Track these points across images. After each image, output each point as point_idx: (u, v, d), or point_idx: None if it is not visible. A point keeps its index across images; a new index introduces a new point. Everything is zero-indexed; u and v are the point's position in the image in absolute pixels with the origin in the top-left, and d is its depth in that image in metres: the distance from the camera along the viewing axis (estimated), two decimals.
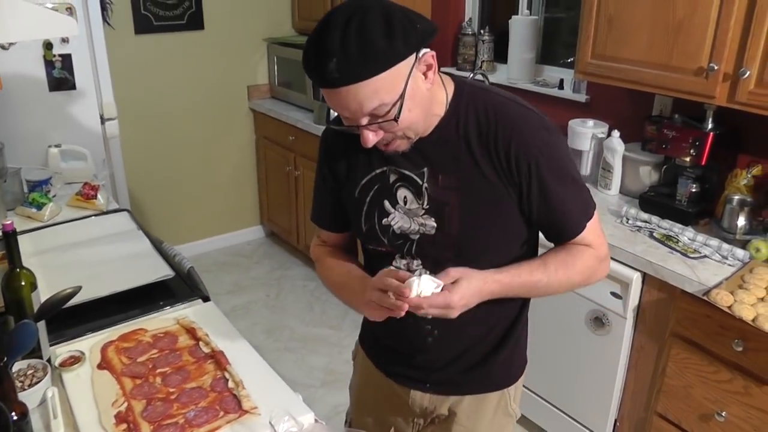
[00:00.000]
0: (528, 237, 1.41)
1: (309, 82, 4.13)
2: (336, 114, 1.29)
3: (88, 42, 3.17)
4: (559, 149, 1.32)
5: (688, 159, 2.44)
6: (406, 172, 1.35)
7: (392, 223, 1.38)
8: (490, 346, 1.50)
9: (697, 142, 2.40)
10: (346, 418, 1.81)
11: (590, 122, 2.94)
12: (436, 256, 1.36)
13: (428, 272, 1.29)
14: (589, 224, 1.37)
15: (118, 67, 3.67)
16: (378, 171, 1.38)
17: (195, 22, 4.24)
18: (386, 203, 1.38)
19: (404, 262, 1.41)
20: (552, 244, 1.42)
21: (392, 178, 1.37)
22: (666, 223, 2.42)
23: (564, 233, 1.37)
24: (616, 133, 2.74)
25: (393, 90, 1.16)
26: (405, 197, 1.36)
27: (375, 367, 1.64)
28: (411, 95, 1.18)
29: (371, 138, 1.22)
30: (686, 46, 2.23)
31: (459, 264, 1.29)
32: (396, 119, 1.19)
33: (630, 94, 2.80)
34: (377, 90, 1.14)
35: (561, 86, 3.25)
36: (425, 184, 1.33)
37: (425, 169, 1.33)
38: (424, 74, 1.21)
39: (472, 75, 3.45)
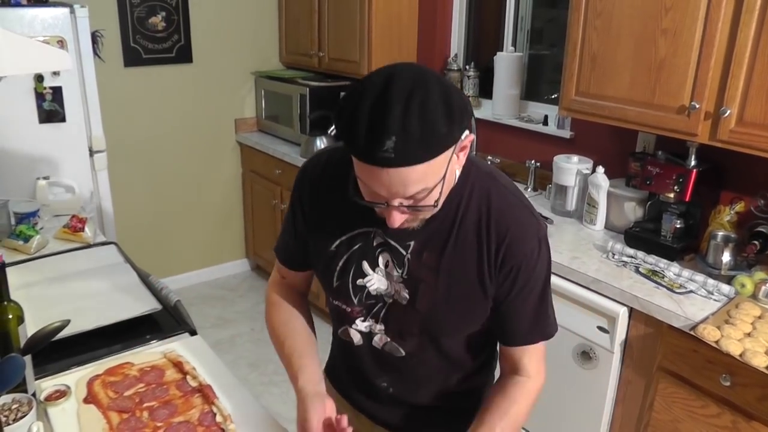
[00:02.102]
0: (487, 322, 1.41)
1: (296, 115, 4.17)
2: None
3: (78, 75, 3.18)
4: (542, 265, 1.30)
5: (672, 195, 2.48)
6: (392, 242, 1.30)
7: (368, 284, 1.34)
8: (449, 403, 1.51)
9: (681, 179, 2.44)
10: None
11: (575, 158, 2.97)
12: (401, 328, 1.35)
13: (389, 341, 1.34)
14: (539, 345, 1.37)
15: (107, 99, 3.68)
16: (362, 230, 1.32)
17: (184, 55, 4.28)
18: (365, 264, 1.33)
19: (366, 324, 1.39)
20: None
21: (376, 241, 1.31)
22: (651, 258, 2.45)
23: (514, 338, 1.36)
24: (600, 169, 2.77)
25: (437, 174, 1.09)
26: (387, 262, 1.31)
27: (341, 398, 1.62)
28: (447, 178, 1.13)
29: (398, 218, 1.15)
30: (668, 84, 2.28)
31: (421, 339, 1.33)
32: (436, 204, 1.13)
33: (614, 131, 2.84)
34: (426, 174, 1.07)
35: (546, 122, 3.30)
36: (408, 256, 1.29)
37: (412, 243, 1.28)
38: (458, 155, 1.16)
39: None
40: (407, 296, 1.31)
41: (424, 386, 1.47)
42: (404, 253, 1.29)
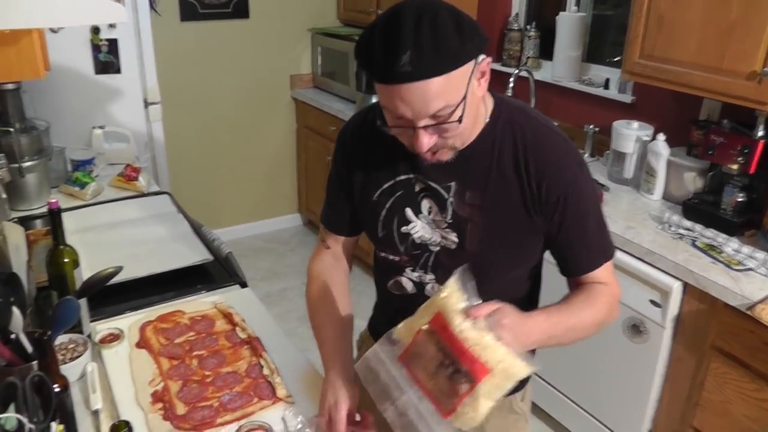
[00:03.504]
0: (538, 263, 1.43)
1: (352, 73, 4.13)
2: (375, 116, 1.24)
3: (134, 28, 3.21)
4: (588, 187, 1.31)
5: (735, 167, 2.39)
6: (433, 184, 1.31)
7: (412, 231, 1.35)
8: None
9: (746, 150, 2.34)
10: None
11: (635, 124, 2.89)
12: (452, 272, 1.34)
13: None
14: (606, 265, 1.35)
15: (162, 52, 3.70)
16: (403, 177, 1.35)
17: (240, 10, 4.26)
18: (408, 211, 1.35)
19: (416, 275, 1.39)
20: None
21: (418, 187, 1.33)
22: (710, 232, 2.37)
23: (579, 267, 1.35)
24: (661, 137, 2.69)
25: (457, 92, 1.12)
26: (430, 207, 1.33)
27: None
28: (470, 99, 1.15)
29: (426, 141, 1.17)
30: (739, 48, 2.18)
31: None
32: (460, 120, 1.15)
33: (677, 97, 2.74)
34: (445, 89, 1.10)
35: (606, 86, 3.21)
36: (451, 198, 1.30)
37: (453, 184, 1.30)
38: (479, 81, 1.18)
39: (517, 71, 3.42)
40: (456, 239, 1.32)
41: None
42: (446, 195, 1.30)
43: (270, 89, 4.59)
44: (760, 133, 2.33)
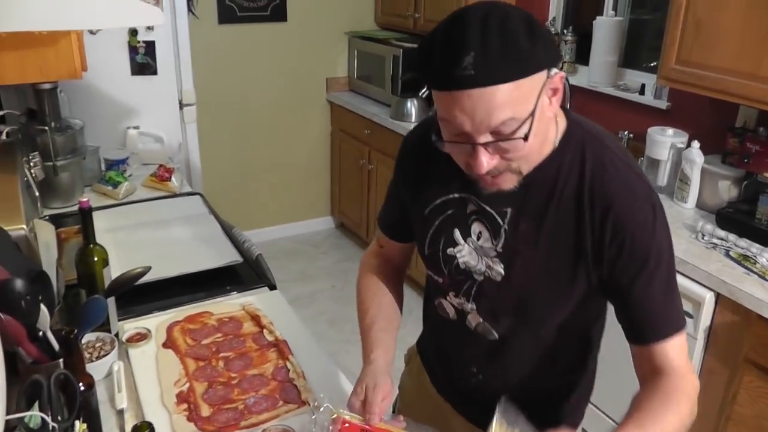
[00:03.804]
0: (597, 320, 1.32)
1: (388, 76, 4.15)
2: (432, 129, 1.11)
3: (172, 30, 3.26)
4: (661, 237, 1.13)
5: None
6: (487, 208, 1.20)
7: (458, 255, 1.25)
8: (541, 399, 1.37)
9: None
10: (393, 408, 1.73)
11: (670, 131, 2.84)
12: (495, 306, 1.25)
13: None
14: (676, 337, 1.16)
15: (199, 55, 3.75)
16: (456, 195, 1.23)
17: (278, 14, 4.30)
18: (457, 233, 1.25)
19: (458, 301, 1.31)
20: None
21: (470, 207, 1.22)
22: (744, 242, 2.32)
23: (643, 333, 1.17)
24: (695, 144, 2.64)
25: (526, 104, 0.99)
26: (480, 232, 1.22)
27: (429, 380, 1.54)
28: (539, 117, 1.02)
29: (486, 161, 1.04)
30: None
31: (516, 320, 1.23)
32: (526, 138, 1.01)
33: (713, 104, 2.69)
34: (513, 99, 0.97)
35: (642, 91, 3.16)
36: (505, 226, 1.18)
37: (509, 210, 1.18)
38: (550, 98, 1.05)
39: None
40: (502, 271, 1.20)
41: (516, 377, 1.35)
42: (501, 222, 1.19)
43: (306, 92, 4.62)
44: None
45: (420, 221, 1.32)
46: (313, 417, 1.19)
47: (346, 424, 1.18)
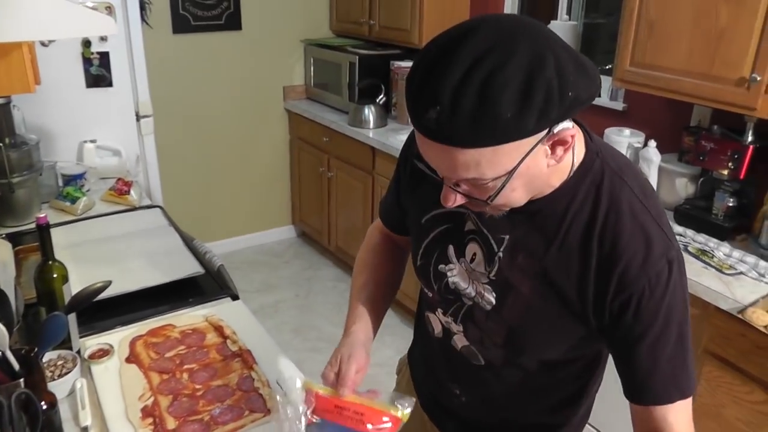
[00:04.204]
0: (595, 358, 1.24)
1: (345, 83, 4.15)
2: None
3: (126, 40, 3.20)
4: (676, 295, 1.01)
5: (726, 172, 2.39)
6: (485, 230, 1.11)
7: (449, 274, 1.18)
8: (532, 422, 1.31)
9: (736, 155, 2.35)
10: None
11: (627, 131, 2.90)
12: (483, 335, 1.18)
13: None
14: (680, 404, 1.06)
15: (154, 65, 3.70)
16: (456, 210, 1.10)
17: (233, 22, 4.27)
18: (451, 250, 1.17)
19: (446, 319, 1.24)
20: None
21: (468, 225, 1.14)
22: (701, 237, 2.38)
23: (642, 395, 1.07)
24: (652, 143, 2.69)
25: (500, 166, 0.89)
26: (474, 254, 1.13)
27: (415, 393, 1.48)
28: (522, 173, 0.91)
29: (452, 199, 0.97)
30: (728, 55, 2.18)
31: (505, 352, 1.15)
32: (488, 201, 0.95)
33: (668, 104, 2.75)
34: (480, 163, 0.87)
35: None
36: (500, 254, 1.09)
37: (507, 237, 1.08)
38: (552, 149, 0.92)
39: None
40: (493, 301, 1.12)
41: (499, 406, 1.29)
42: (496, 248, 1.10)
43: (263, 101, 4.59)
44: (750, 139, 2.35)
45: (416, 227, 1.25)
46: (281, 398, 1.13)
47: (318, 397, 1.13)
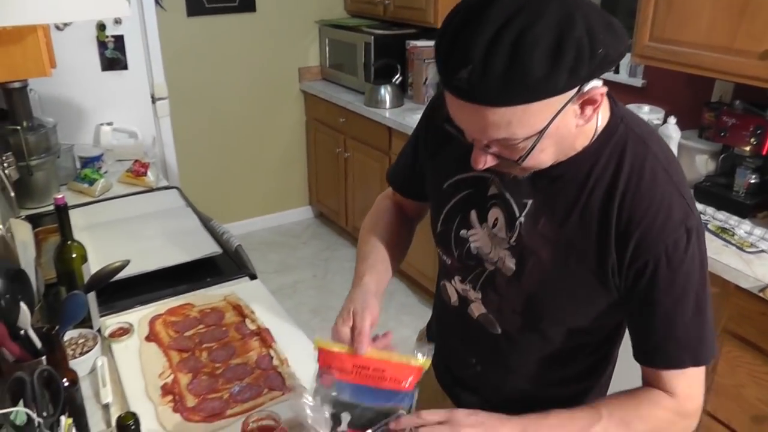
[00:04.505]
0: (616, 330, 1.23)
1: (360, 64, 4.12)
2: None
3: (140, 23, 3.22)
4: (693, 262, 1.01)
5: (747, 148, 2.35)
6: (507, 194, 1.10)
7: (471, 239, 1.17)
8: (539, 405, 1.25)
9: (759, 131, 2.30)
10: None
11: (646, 108, 2.86)
12: (501, 302, 1.17)
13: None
14: (692, 371, 1.05)
15: (169, 48, 3.71)
16: (479, 174, 1.11)
17: (247, 4, 4.25)
18: (473, 215, 1.16)
19: (463, 287, 1.23)
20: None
21: (492, 190, 1.13)
22: (722, 215, 2.34)
23: (655, 358, 1.06)
24: (672, 120, 2.65)
25: (531, 125, 0.89)
26: (496, 219, 1.12)
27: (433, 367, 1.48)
28: (552, 133, 0.92)
29: (481, 160, 0.97)
30: (751, 27, 2.14)
31: (523, 320, 1.14)
32: (519, 162, 0.95)
33: (688, 79, 2.71)
34: (511, 122, 0.88)
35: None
36: (521, 219, 1.09)
37: (530, 202, 1.08)
38: (581, 108, 0.93)
39: None
40: (513, 267, 1.11)
41: (516, 376, 1.26)
42: (517, 213, 1.09)
43: (278, 82, 4.58)
44: None
45: (437, 193, 1.23)
46: (314, 385, 1.11)
47: (335, 356, 1.10)
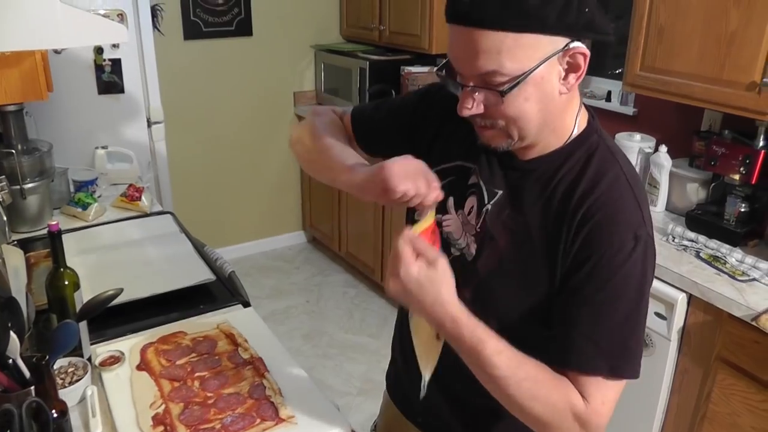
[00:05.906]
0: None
1: (355, 89, 4.15)
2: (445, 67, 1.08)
3: (137, 47, 3.24)
4: (633, 271, 1.02)
5: (737, 177, 2.38)
6: (482, 183, 1.16)
7: (444, 223, 1.20)
8: (489, 416, 1.25)
9: (748, 160, 2.33)
10: (373, 426, 1.68)
11: (637, 136, 2.88)
12: (456, 285, 1.11)
13: None
14: (607, 384, 1.03)
15: (166, 71, 3.73)
16: (463, 164, 1.19)
17: (244, 28, 4.29)
18: (450, 201, 1.20)
19: None
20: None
21: (471, 179, 1.18)
22: (713, 243, 2.36)
23: (566, 356, 1.04)
24: (663, 148, 2.68)
25: (518, 61, 0.95)
26: (471, 207, 1.17)
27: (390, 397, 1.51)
28: (536, 82, 0.97)
29: (468, 105, 1.02)
30: (739, 59, 2.17)
31: (472, 309, 1.04)
32: (502, 94, 0.98)
33: (679, 108, 2.74)
34: (501, 50, 0.94)
35: (609, 98, 3.21)
36: (488, 206, 1.14)
37: (500, 192, 1.14)
38: (565, 72, 1.00)
39: None
40: (473, 253, 1.16)
41: (468, 378, 1.12)
42: (486, 201, 1.14)
43: (273, 106, 4.60)
44: (761, 143, 2.33)
45: None
46: None
47: (431, 233, 1.07)
